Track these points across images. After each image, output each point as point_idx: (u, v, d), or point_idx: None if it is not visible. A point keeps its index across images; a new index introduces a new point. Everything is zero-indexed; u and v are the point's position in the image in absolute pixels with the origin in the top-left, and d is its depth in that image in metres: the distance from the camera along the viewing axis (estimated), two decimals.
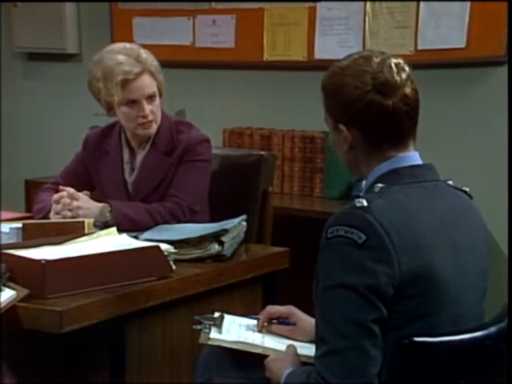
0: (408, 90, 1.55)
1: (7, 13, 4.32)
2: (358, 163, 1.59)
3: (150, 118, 2.41)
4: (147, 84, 2.40)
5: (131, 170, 2.51)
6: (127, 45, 2.49)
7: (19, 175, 4.14)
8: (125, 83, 2.38)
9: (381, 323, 1.42)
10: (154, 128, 2.43)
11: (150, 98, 2.41)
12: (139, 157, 2.49)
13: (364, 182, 1.64)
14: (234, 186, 2.71)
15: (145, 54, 2.43)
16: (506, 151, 3.13)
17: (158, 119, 2.44)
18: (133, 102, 2.39)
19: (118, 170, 2.50)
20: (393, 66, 1.56)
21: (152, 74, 2.41)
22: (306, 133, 3.53)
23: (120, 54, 2.41)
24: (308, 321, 1.77)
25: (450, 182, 1.62)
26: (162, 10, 3.91)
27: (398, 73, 1.55)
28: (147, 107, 2.39)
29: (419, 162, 1.59)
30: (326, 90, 1.61)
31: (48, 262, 1.74)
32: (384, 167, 1.55)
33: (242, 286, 2.16)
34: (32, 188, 3.88)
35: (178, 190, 2.42)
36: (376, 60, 1.57)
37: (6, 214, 2.69)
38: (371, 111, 1.53)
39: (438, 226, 1.50)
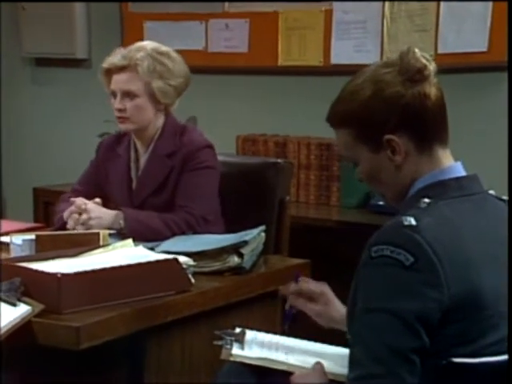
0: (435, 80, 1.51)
1: (15, 17, 4.32)
2: (405, 182, 1.51)
3: (123, 114, 2.45)
4: (126, 80, 2.44)
5: (136, 169, 2.54)
6: (147, 42, 2.54)
7: (27, 183, 4.12)
8: (107, 73, 2.48)
9: (421, 352, 1.37)
10: (127, 126, 2.47)
11: (128, 95, 2.44)
12: (143, 158, 2.53)
13: None
14: (250, 194, 2.69)
15: (143, 53, 2.44)
16: None
17: (136, 119, 2.45)
18: (115, 94, 2.46)
19: (125, 169, 2.54)
20: (416, 51, 1.52)
21: (137, 73, 2.43)
22: (323, 140, 3.49)
23: (126, 48, 2.51)
24: (337, 306, 1.74)
25: (492, 192, 1.57)
26: (173, 13, 3.90)
27: (423, 56, 1.52)
28: (120, 102, 2.44)
29: (463, 172, 1.54)
30: (350, 116, 1.52)
31: (64, 275, 1.72)
32: (428, 179, 1.50)
33: (261, 299, 2.14)
34: (40, 196, 3.90)
35: (187, 200, 2.42)
36: (391, 57, 1.54)
37: (16, 225, 2.68)
38: (416, 104, 1.48)
39: (481, 242, 1.46)
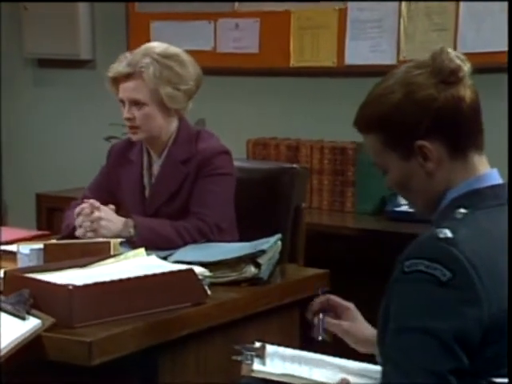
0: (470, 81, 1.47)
1: (17, 16, 4.30)
2: (437, 189, 1.47)
3: (132, 123, 2.42)
4: (132, 88, 2.41)
5: (149, 176, 2.52)
6: (155, 44, 2.50)
7: (30, 188, 4.11)
8: (114, 81, 2.45)
9: (459, 373, 1.32)
10: (138, 135, 2.44)
11: (135, 103, 2.41)
12: (156, 164, 2.50)
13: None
14: (264, 201, 2.66)
15: (149, 58, 2.40)
16: None
17: (146, 128, 2.43)
18: (123, 102, 2.44)
19: (138, 176, 2.51)
20: (449, 51, 1.48)
21: (143, 80, 2.40)
22: (336, 143, 3.47)
23: (131, 53, 2.47)
24: (364, 325, 1.70)
25: None
26: (181, 13, 3.87)
27: (457, 57, 1.47)
28: (128, 111, 2.42)
29: (500, 180, 1.49)
30: (379, 120, 1.47)
31: (76, 287, 1.69)
32: (462, 188, 1.45)
33: (278, 311, 2.11)
34: (43, 202, 3.89)
35: (201, 207, 2.40)
36: (423, 59, 1.50)
37: (20, 232, 2.66)
38: (450, 108, 1.44)
39: None
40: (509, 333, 1.33)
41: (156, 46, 2.49)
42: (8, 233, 2.59)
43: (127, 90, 2.42)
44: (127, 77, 2.41)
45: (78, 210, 2.33)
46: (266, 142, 3.60)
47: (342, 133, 3.52)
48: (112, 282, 1.74)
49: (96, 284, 1.72)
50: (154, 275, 1.80)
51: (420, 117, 1.45)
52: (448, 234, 1.36)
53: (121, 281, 1.75)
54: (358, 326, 1.71)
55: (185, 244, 2.31)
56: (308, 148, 3.50)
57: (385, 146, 1.49)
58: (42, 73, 4.37)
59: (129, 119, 2.43)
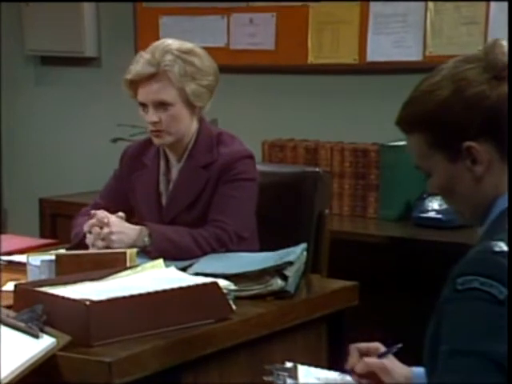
0: None
1: (18, 12, 4.28)
2: (485, 196, 1.43)
3: (158, 127, 2.38)
4: (155, 90, 2.36)
5: (167, 182, 2.48)
6: (168, 41, 2.45)
7: (32, 193, 4.09)
8: (135, 84, 2.39)
9: None
10: (165, 139, 2.40)
11: (161, 105, 2.37)
12: (175, 169, 2.47)
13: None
14: (286, 208, 2.63)
15: (170, 55, 2.37)
16: None
17: (173, 130, 2.39)
18: (145, 106, 2.39)
19: (153, 181, 2.48)
20: (503, 43, 1.43)
21: (169, 80, 2.36)
22: (358, 145, 3.44)
23: (148, 51, 2.41)
24: (398, 365, 1.65)
25: None
26: (192, 7, 3.84)
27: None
28: (154, 114, 2.37)
29: None
30: (424, 119, 1.43)
31: (93, 303, 1.66)
32: None
33: (305, 326, 2.07)
34: (47, 207, 3.86)
35: (221, 214, 2.36)
36: (474, 53, 1.45)
37: (24, 241, 2.62)
38: (502, 107, 1.38)
39: None
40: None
41: (170, 42, 2.46)
42: (11, 241, 2.57)
43: (151, 91, 2.36)
44: (150, 78, 2.36)
45: (86, 227, 2.30)
46: (283, 143, 3.57)
47: (364, 134, 3.53)
48: (132, 297, 1.70)
49: (115, 299, 1.69)
50: (176, 289, 1.77)
51: (469, 116, 1.40)
52: (504, 247, 1.31)
53: (141, 296, 1.71)
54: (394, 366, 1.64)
55: (203, 254, 2.28)
56: (328, 150, 3.46)
57: (429, 147, 1.44)
58: (44, 71, 4.35)
59: (155, 123, 2.37)
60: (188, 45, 2.46)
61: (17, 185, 4.39)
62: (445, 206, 3.17)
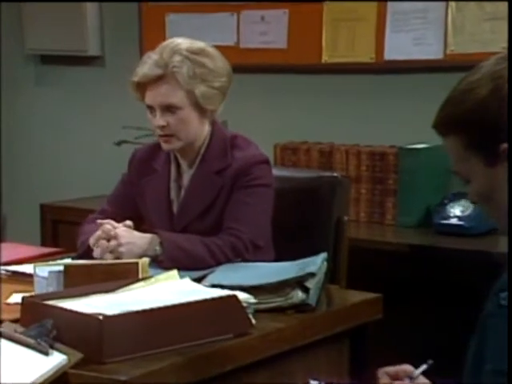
0: None
1: (17, 9, 4.27)
2: None
3: (166, 131, 2.36)
4: (163, 92, 2.34)
5: (178, 188, 2.46)
6: (178, 40, 2.43)
7: (33, 198, 4.09)
8: (139, 86, 2.37)
9: None
10: (174, 145, 2.38)
11: (169, 108, 2.35)
12: (187, 175, 2.44)
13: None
14: (302, 214, 2.61)
15: (179, 56, 2.35)
16: None
17: (182, 135, 2.37)
18: (152, 109, 2.37)
19: (164, 188, 2.45)
20: None
21: (177, 82, 2.34)
22: (375, 148, 3.41)
23: (156, 51, 2.39)
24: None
25: None
26: (200, 4, 3.83)
27: None
28: (161, 118, 2.35)
29: None
30: (460, 119, 1.40)
31: (106, 317, 1.63)
32: None
33: (327, 341, 2.04)
34: (48, 213, 3.85)
35: (236, 222, 2.34)
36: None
37: (27, 249, 2.59)
38: None
39: None
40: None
41: (180, 41, 2.43)
42: (13, 250, 2.54)
43: (158, 94, 2.34)
44: (157, 80, 2.34)
45: (92, 240, 2.27)
46: (296, 146, 3.55)
47: (381, 136, 3.51)
48: (147, 312, 1.67)
49: (129, 313, 1.66)
50: (194, 303, 1.74)
51: (506, 116, 1.37)
52: None
53: (157, 310, 1.68)
54: None
55: (217, 263, 2.26)
56: (343, 153, 3.45)
57: (466, 149, 1.41)
58: (44, 70, 4.35)
59: (162, 127, 2.35)
60: (199, 44, 2.43)
61: (17, 189, 4.38)
62: (467, 212, 3.15)
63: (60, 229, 3.80)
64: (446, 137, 1.45)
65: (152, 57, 2.37)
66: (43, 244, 3.70)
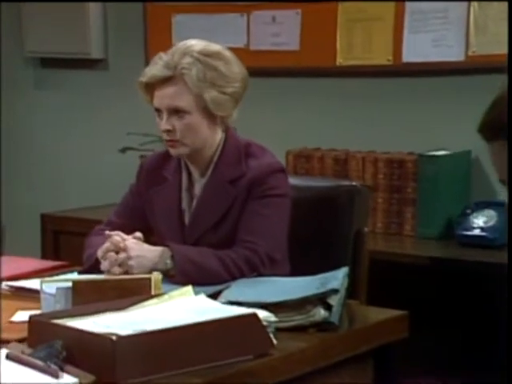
0: None
1: (17, 10, 4.28)
2: None
3: (172, 136, 2.34)
4: (170, 94, 2.33)
5: (190, 198, 2.43)
6: (192, 42, 2.40)
7: (33, 208, 4.10)
8: (148, 88, 2.37)
9: None
10: (179, 150, 2.36)
11: (176, 112, 2.33)
12: (199, 184, 2.42)
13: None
14: (319, 226, 2.58)
15: (189, 58, 2.33)
16: None
17: (189, 141, 2.35)
18: (160, 112, 2.36)
19: (175, 197, 2.43)
20: None
21: (185, 85, 2.32)
22: (393, 155, 3.40)
23: (168, 52, 2.38)
24: None
25: None
26: (208, 5, 3.82)
27: None
28: (167, 122, 2.33)
29: None
30: (506, 123, 1.38)
31: (120, 338, 1.60)
32: None
33: (350, 362, 1.99)
34: (49, 223, 3.84)
35: (251, 234, 2.31)
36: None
37: (29, 262, 2.57)
38: None
39: None
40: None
41: (194, 43, 2.41)
42: (15, 264, 2.51)
43: (166, 96, 2.33)
44: (165, 81, 2.33)
45: (100, 253, 2.25)
46: (309, 153, 3.54)
47: (399, 142, 3.50)
48: (162, 332, 1.64)
49: (143, 334, 1.63)
50: (212, 322, 1.71)
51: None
52: None
53: (173, 330, 1.65)
54: None
55: (231, 278, 2.23)
56: (359, 161, 3.44)
57: None
58: (44, 74, 4.36)
59: (168, 131, 2.33)
60: (214, 47, 2.41)
61: (16, 198, 4.38)
62: (491, 223, 3.12)
63: (61, 240, 3.79)
64: (492, 142, 1.42)
65: (163, 58, 2.36)
66: (44, 255, 3.70)
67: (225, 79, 2.36)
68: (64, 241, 3.78)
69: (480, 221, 3.13)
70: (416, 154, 3.30)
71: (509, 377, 1.26)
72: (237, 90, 2.39)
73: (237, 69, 2.40)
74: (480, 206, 3.16)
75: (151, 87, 2.36)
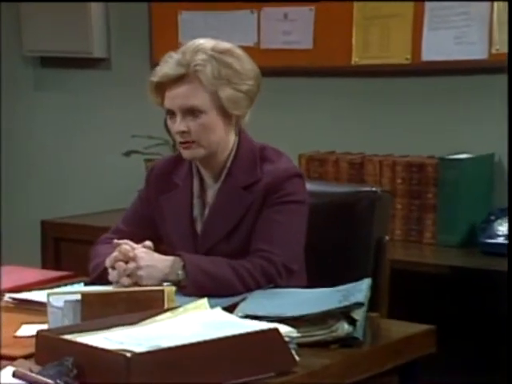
0: None
1: (16, 8, 4.28)
2: None
3: (187, 137, 2.32)
4: (185, 93, 2.31)
5: (202, 205, 2.41)
6: (201, 40, 2.39)
7: (32, 214, 4.11)
8: (158, 88, 2.35)
9: None
10: (195, 152, 2.33)
11: (191, 112, 2.31)
12: (211, 190, 2.40)
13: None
14: (337, 233, 2.56)
15: (203, 54, 2.31)
16: None
17: (205, 142, 2.33)
18: (173, 114, 2.34)
19: (186, 204, 2.41)
20: None
21: (200, 82, 2.30)
22: (412, 159, 3.39)
23: (179, 51, 2.36)
24: None
25: None
26: (216, 1, 3.82)
27: None
28: (181, 123, 2.31)
29: None
30: None
31: (135, 355, 1.57)
32: None
33: (375, 379, 1.96)
34: (49, 230, 3.85)
35: (267, 243, 2.29)
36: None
37: (33, 274, 2.55)
38: None
39: None
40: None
41: (203, 41, 2.40)
42: (17, 274, 2.50)
43: (179, 96, 2.30)
44: (177, 80, 2.30)
45: (108, 263, 2.23)
46: (323, 157, 3.54)
47: (418, 145, 3.50)
48: (179, 348, 1.61)
49: (159, 350, 1.60)
50: (231, 338, 1.67)
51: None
52: None
53: (190, 346, 1.62)
54: None
55: (247, 290, 2.21)
56: (376, 164, 3.43)
57: None
58: (44, 73, 4.36)
59: (183, 133, 2.31)
60: (225, 44, 2.40)
61: (15, 204, 4.38)
62: None
63: (62, 247, 3.80)
64: None
65: (174, 56, 2.34)
66: (44, 264, 3.72)
67: (239, 76, 2.35)
68: (65, 248, 3.79)
69: (504, 228, 3.12)
70: (436, 158, 3.29)
71: (509, 377, 1.22)
72: (251, 87, 2.38)
73: (250, 66, 2.40)
74: (504, 212, 3.14)
75: (162, 88, 2.34)
